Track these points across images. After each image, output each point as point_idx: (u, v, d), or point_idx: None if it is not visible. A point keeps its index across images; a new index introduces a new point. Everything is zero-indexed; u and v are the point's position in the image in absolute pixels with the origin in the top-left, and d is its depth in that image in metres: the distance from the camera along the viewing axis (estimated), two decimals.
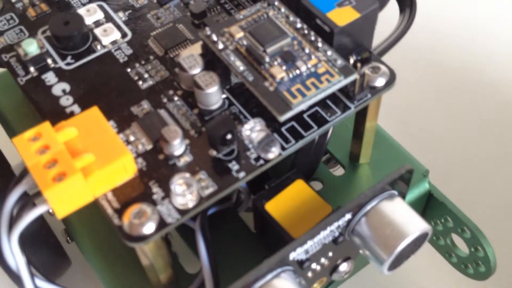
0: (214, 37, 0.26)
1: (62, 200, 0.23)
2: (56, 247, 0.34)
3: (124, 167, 0.24)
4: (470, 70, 0.47)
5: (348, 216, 0.27)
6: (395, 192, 0.28)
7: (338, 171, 0.34)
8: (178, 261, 0.31)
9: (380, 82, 0.28)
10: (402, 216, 0.27)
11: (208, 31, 0.27)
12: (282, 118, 0.24)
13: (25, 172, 0.25)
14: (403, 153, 0.33)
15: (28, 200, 0.25)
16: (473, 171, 0.42)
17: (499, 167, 0.42)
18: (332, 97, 0.27)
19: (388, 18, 0.34)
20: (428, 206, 0.33)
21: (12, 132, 0.37)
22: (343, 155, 0.34)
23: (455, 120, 0.45)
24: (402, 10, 0.33)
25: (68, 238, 0.35)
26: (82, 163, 0.23)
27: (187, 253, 0.32)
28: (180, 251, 0.32)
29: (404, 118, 0.44)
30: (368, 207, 0.27)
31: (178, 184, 0.24)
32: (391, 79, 0.28)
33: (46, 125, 0.24)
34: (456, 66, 0.47)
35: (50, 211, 0.25)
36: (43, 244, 0.33)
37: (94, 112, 0.25)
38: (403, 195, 0.29)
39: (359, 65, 0.27)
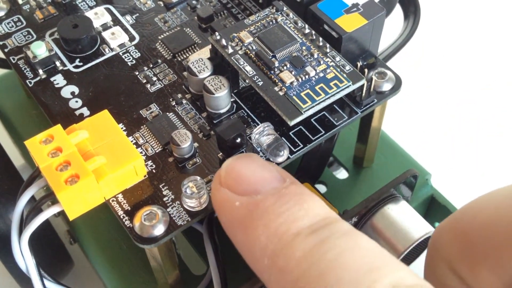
0: (224, 42, 0.27)
1: (74, 202, 0.23)
2: (59, 248, 0.34)
3: (135, 170, 0.25)
4: (474, 74, 0.48)
5: (354, 219, 0.27)
6: (400, 196, 0.28)
7: (341, 174, 0.35)
8: (184, 263, 0.31)
9: (386, 87, 0.28)
10: (408, 220, 0.27)
11: (217, 35, 0.27)
12: (292, 123, 0.25)
13: (35, 174, 0.25)
14: (406, 157, 0.34)
15: (39, 203, 0.25)
16: (475, 174, 0.42)
17: (502, 170, 0.43)
18: (339, 101, 0.28)
19: (391, 23, 0.34)
20: (430, 209, 0.34)
21: (15, 134, 0.37)
22: (347, 158, 0.34)
23: (458, 123, 0.45)
24: (406, 16, 0.33)
25: (71, 240, 0.35)
26: (94, 165, 0.24)
27: (192, 254, 0.32)
28: (184, 252, 0.32)
29: (407, 122, 0.45)
30: (374, 210, 0.27)
31: (189, 186, 0.24)
32: (397, 84, 0.28)
33: (58, 127, 0.24)
34: (460, 71, 0.48)
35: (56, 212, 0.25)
36: (47, 245, 0.33)
37: (105, 115, 0.25)
38: (406, 199, 0.29)
39: (366, 70, 0.27)
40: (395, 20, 0.35)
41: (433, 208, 0.34)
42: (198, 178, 0.25)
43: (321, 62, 0.26)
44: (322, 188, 0.34)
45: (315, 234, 0.19)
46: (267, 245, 0.19)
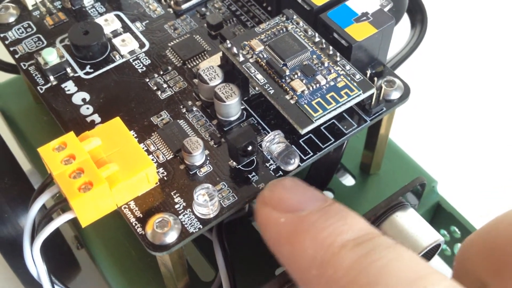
0: (235, 50, 0.27)
1: (87, 209, 0.24)
2: (67, 253, 0.34)
3: (147, 177, 0.25)
4: (481, 82, 0.48)
5: None
6: (408, 204, 0.28)
7: (348, 181, 0.35)
8: (192, 269, 0.31)
9: (395, 95, 0.28)
10: (416, 228, 0.27)
11: (228, 43, 0.27)
12: (304, 131, 0.25)
13: (47, 181, 0.25)
14: (412, 164, 0.34)
15: (50, 210, 0.25)
16: (481, 181, 0.43)
17: (507, 178, 0.43)
18: (348, 109, 0.28)
19: (398, 32, 0.35)
20: (436, 216, 0.34)
21: (22, 139, 0.37)
22: (354, 165, 0.34)
23: (464, 131, 0.45)
24: (413, 24, 0.34)
25: (78, 245, 0.35)
26: (107, 173, 0.24)
27: (199, 260, 0.33)
28: (191, 258, 0.33)
29: (414, 129, 0.45)
30: (383, 218, 0.28)
31: (201, 194, 0.24)
32: (406, 93, 0.28)
33: (71, 135, 0.24)
34: (467, 79, 0.48)
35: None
36: (55, 250, 0.33)
37: (117, 122, 0.26)
38: (413, 207, 0.29)
39: (375, 79, 0.27)
40: (402, 29, 0.35)
41: (439, 215, 0.34)
42: (210, 186, 0.25)
43: (332, 70, 0.26)
44: (329, 195, 0.34)
45: (360, 246, 0.20)
46: (315, 256, 0.20)
